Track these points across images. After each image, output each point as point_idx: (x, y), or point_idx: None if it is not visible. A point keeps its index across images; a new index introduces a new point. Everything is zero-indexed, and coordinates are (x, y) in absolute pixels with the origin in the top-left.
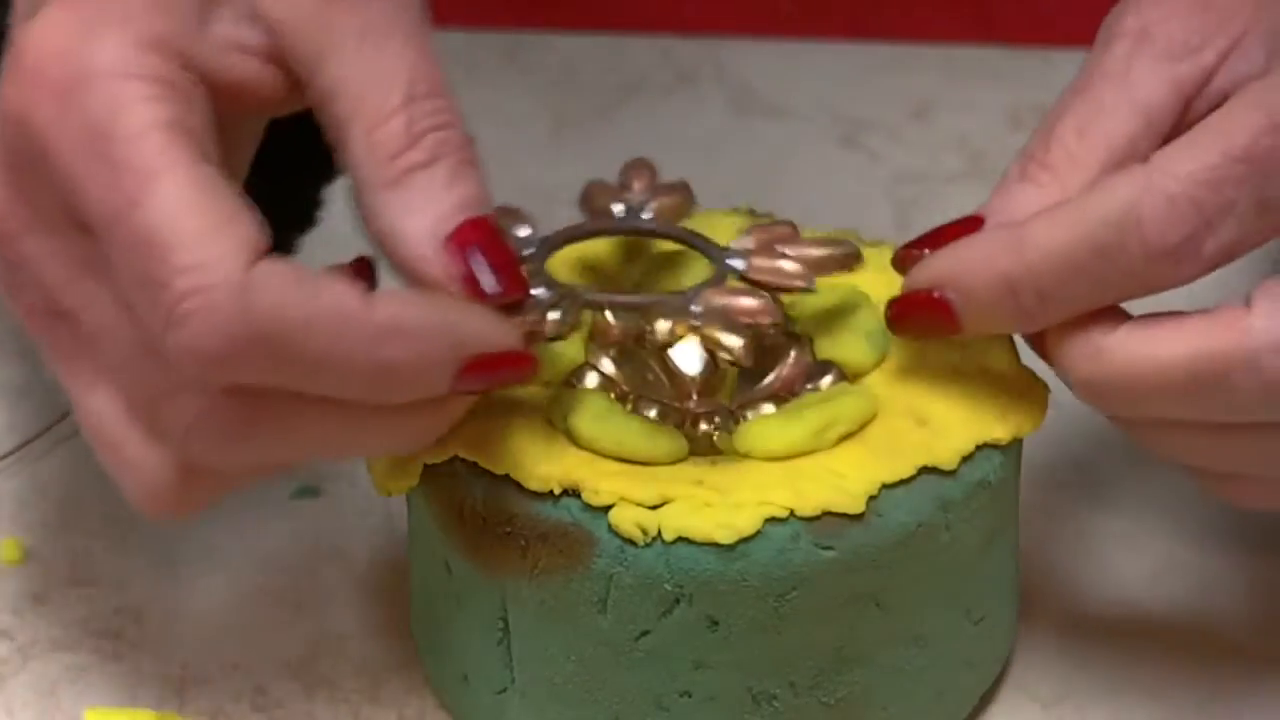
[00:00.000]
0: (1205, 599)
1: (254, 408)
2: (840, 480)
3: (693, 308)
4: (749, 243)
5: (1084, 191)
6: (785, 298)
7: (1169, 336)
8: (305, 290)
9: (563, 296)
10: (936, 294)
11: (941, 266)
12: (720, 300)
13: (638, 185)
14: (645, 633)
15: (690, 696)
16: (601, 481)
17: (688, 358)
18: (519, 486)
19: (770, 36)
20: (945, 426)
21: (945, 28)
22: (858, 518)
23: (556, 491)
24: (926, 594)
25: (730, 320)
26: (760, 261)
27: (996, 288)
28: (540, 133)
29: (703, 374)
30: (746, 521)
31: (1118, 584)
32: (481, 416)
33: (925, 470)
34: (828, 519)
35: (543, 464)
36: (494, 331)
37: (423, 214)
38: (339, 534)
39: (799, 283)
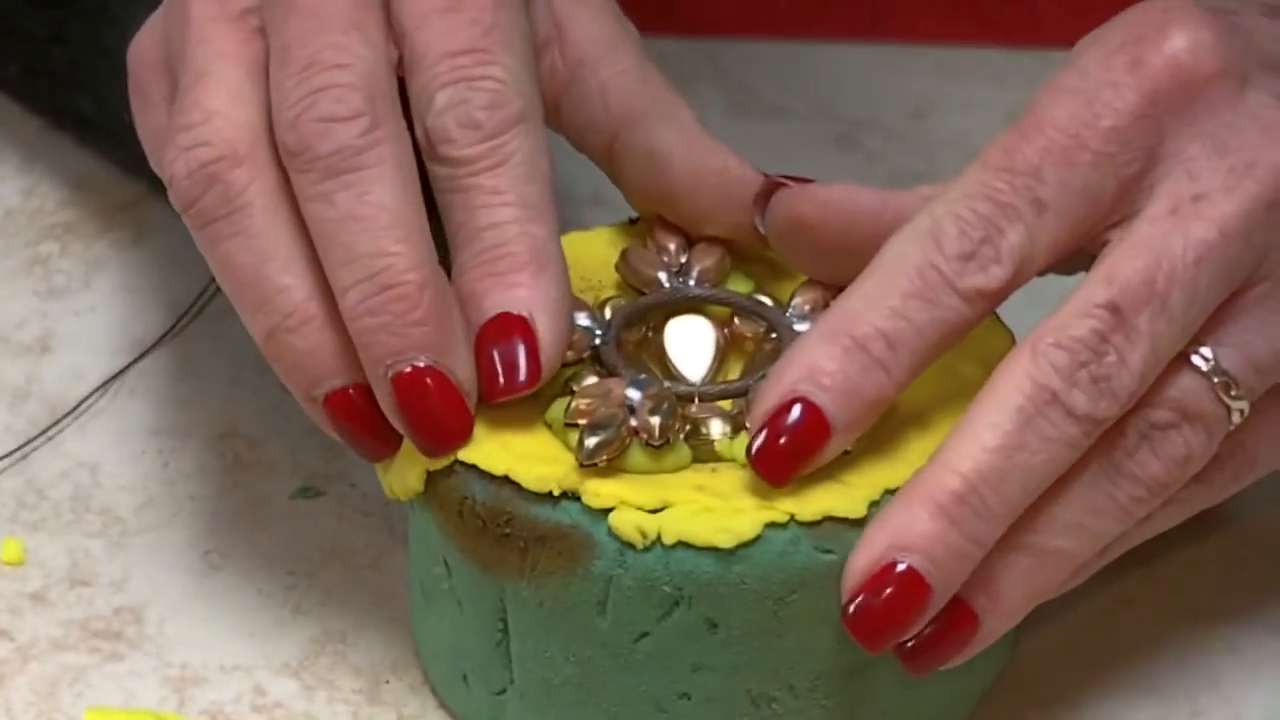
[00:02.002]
0: (1205, 598)
1: None
2: (842, 485)
3: None
4: (805, 303)
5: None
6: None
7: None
8: None
9: (657, 398)
10: (792, 399)
11: (784, 371)
12: None
13: (672, 245)
14: (644, 635)
15: (689, 699)
16: (601, 484)
17: (690, 364)
18: (519, 488)
19: (769, 37)
20: (948, 430)
21: (944, 28)
22: (858, 522)
23: (556, 493)
24: None
25: None
26: None
27: (845, 350)
28: None
29: (705, 379)
30: (746, 526)
31: (1117, 583)
32: (482, 419)
33: None
34: (828, 524)
35: (542, 466)
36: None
37: None
38: (339, 534)
39: None
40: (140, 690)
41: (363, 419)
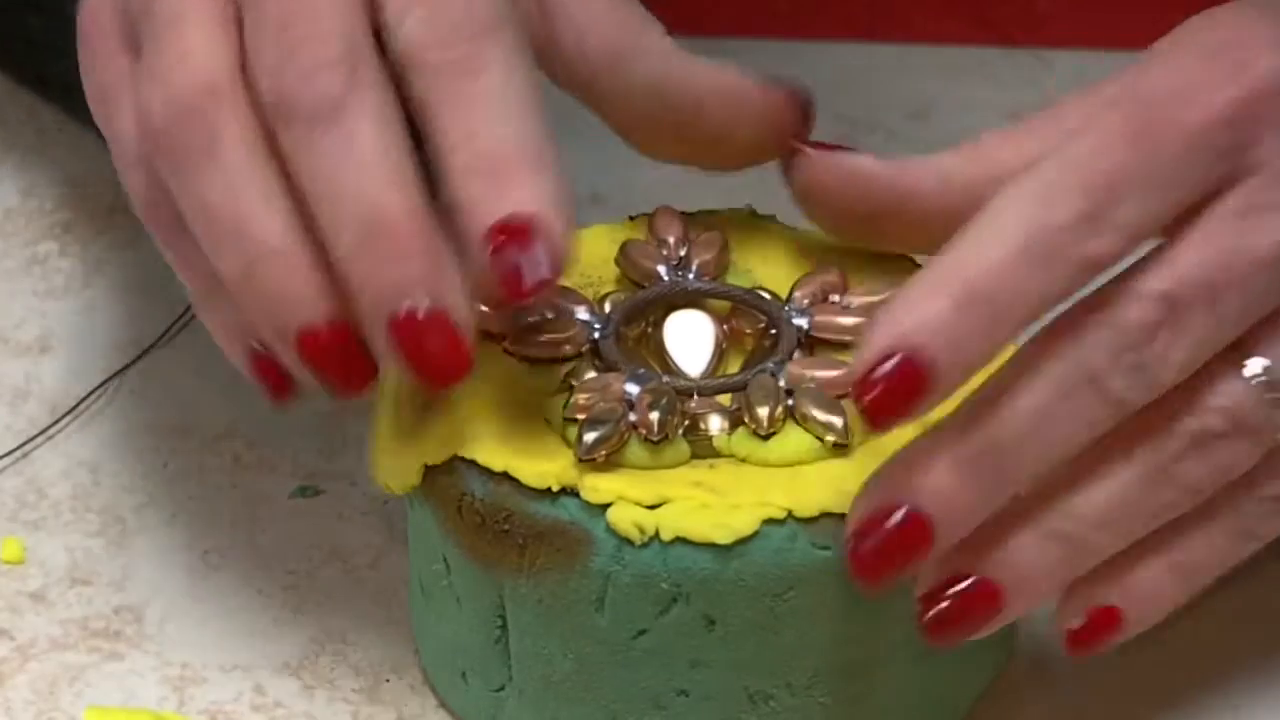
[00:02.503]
0: (1205, 598)
1: None
2: (840, 483)
3: (780, 383)
4: (805, 297)
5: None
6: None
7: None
8: None
9: (656, 393)
10: (898, 354)
11: (893, 319)
12: (807, 373)
13: (671, 238)
14: (642, 631)
15: (687, 695)
16: (600, 480)
17: (689, 359)
18: (517, 484)
19: (769, 37)
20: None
21: (944, 28)
22: None
23: (555, 489)
24: None
25: (824, 399)
26: (822, 318)
27: (958, 308)
28: None
29: (704, 374)
30: (744, 522)
31: None
32: (481, 415)
33: None
34: (826, 520)
35: (541, 462)
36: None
37: None
38: (339, 534)
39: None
40: (140, 690)
41: (337, 354)
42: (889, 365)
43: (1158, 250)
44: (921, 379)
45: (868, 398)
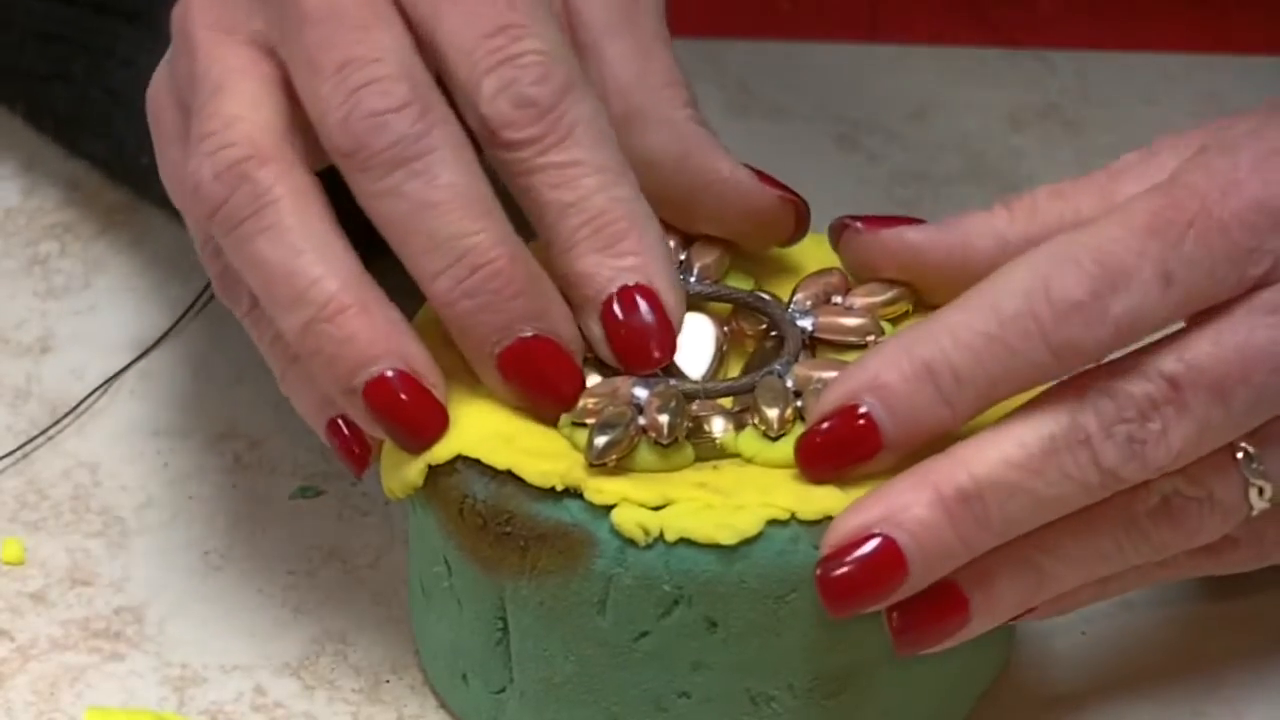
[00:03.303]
0: (1204, 598)
1: None
2: (844, 486)
3: (789, 384)
4: (807, 299)
5: (1024, 233)
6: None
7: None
8: None
9: (664, 396)
10: (853, 405)
11: (853, 376)
12: (814, 375)
13: (672, 241)
14: (644, 634)
15: (689, 697)
16: (605, 482)
17: (691, 361)
18: (520, 486)
19: (769, 37)
20: (954, 433)
21: (944, 28)
22: None
23: (559, 489)
24: None
25: None
26: (825, 320)
27: (915, 376)
28: None
29: (706, 376)
30: (748, 523)
31: None
32: (485, 416)
33: None
34: (829, 523)
35: (545, 462)
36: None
37: None
38: (339, 534)
39: (869, 338)
40: (140, 690)
41: (403, 405)
42: (851, 420)
43: (1177, 333)
44: (871, 436)
45: (813, 451)
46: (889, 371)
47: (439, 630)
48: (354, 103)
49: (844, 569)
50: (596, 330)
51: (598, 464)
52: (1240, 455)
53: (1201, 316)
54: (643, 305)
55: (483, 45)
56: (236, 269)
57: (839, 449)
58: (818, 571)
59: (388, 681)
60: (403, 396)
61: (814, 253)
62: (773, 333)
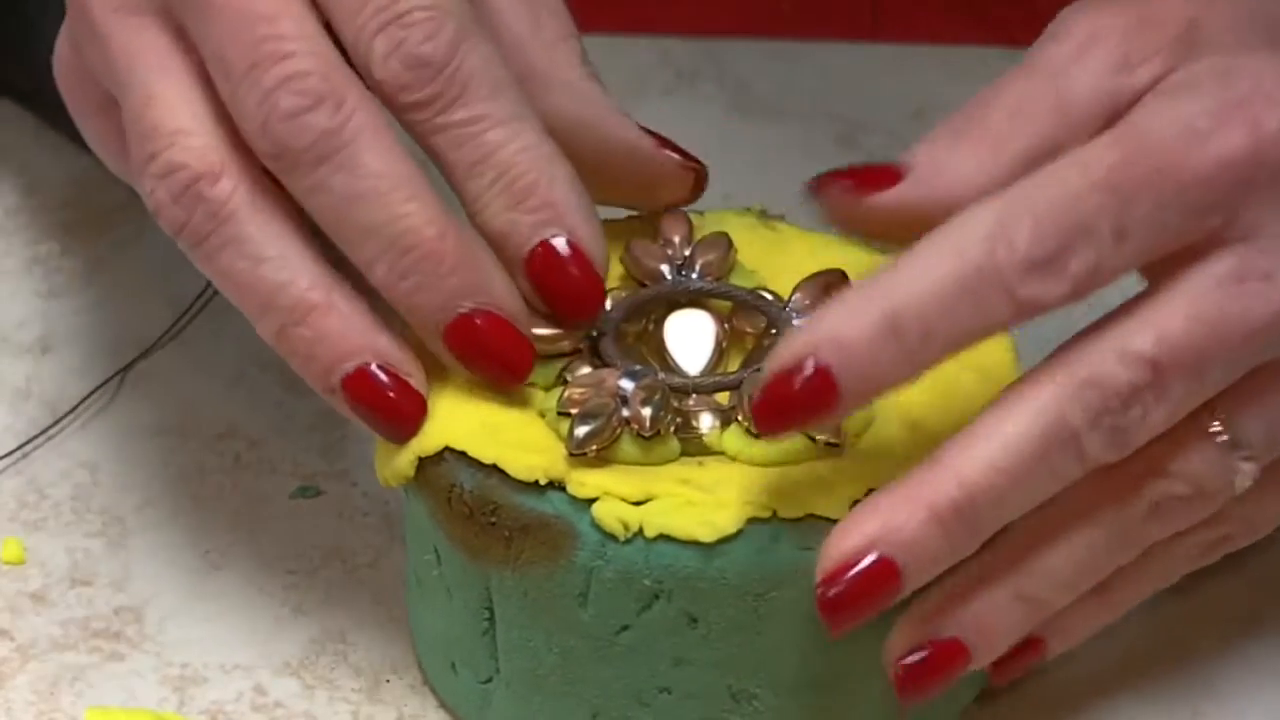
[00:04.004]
0: (1205, 601)
1: None
2: (826, 484)
3: None
4: (806, 298)
5: (997, 173)
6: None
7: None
8: None
9: (649, 389)
10: (811, 362)
11: (814, 329)
12: None
13: (676, 238)
14: (625, 628)
15: (670, 693)
16: (588, 474)
17: (689, 357)
18: (506, 477)
19: (769, 37)
20: (939, 433)
21: (944, 28)
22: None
23: (542, 482)
24: (910, 597)
25: None
26: None
27: (879, 330)
28: None
29: (703, 373)
30: (728, 520)
31: None
32: (474, 409)
33: None
34: (811, 522)
35: (531, 455)
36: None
37: None
38: (339, 534)
39: None
40: (140, 690)
41: (383, 395)
42: (800, 377)
43: (1144, 304)
44: (829, 392)
45: (767, 408)
46: (849, 326)
47: (431, 620)
48: (270, 106)
49: (842, 588)
50: (526, 287)
51: (578, 453)
52: (1220, 435)
53: (1165, 276)
54: (565, 255)
55: (369, 5)
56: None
57: (794, 406)
58: (817, 592)
59: (388, 681)
60: (379, 389)
61: (815, 253)
62: (772, 331)
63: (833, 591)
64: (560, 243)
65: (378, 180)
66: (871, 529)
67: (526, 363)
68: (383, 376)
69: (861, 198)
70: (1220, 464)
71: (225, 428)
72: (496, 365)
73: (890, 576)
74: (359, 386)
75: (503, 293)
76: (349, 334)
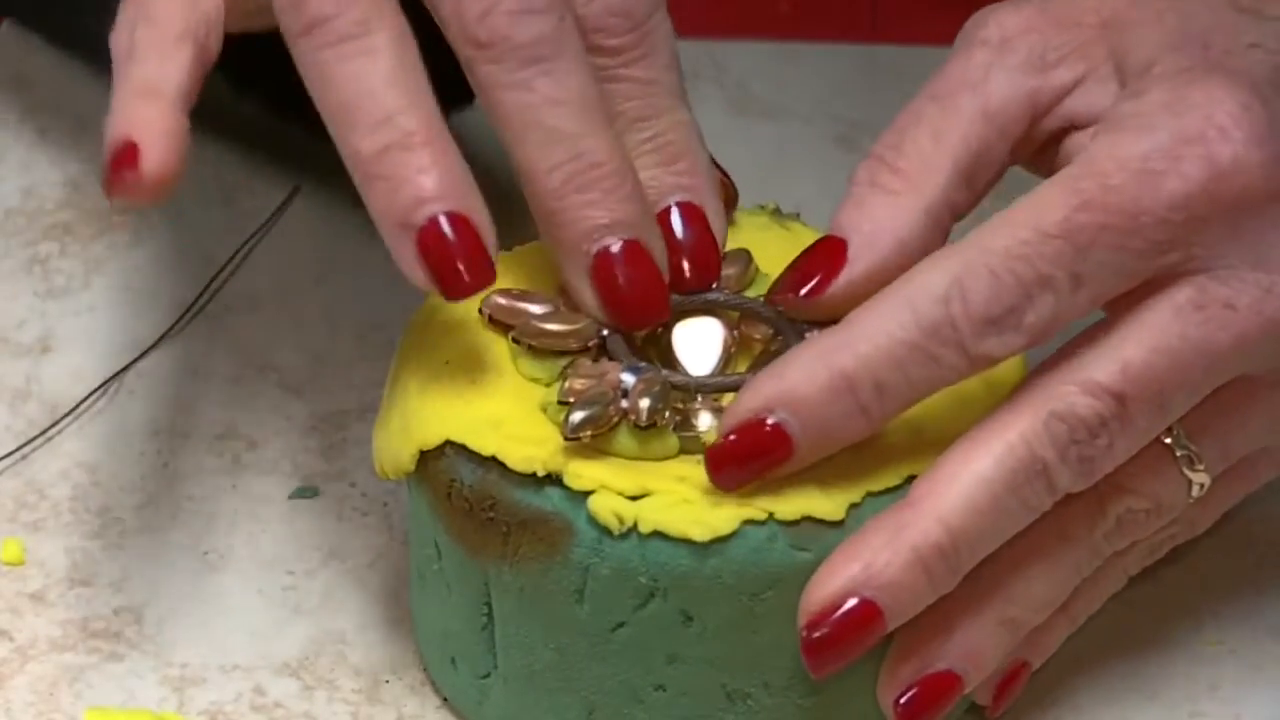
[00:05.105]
0: (1204, 600)
1: None
2: (822, 487)
3: None
4: None
5: (935, 197)
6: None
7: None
8: None
9: (649, 382)
10: (767, 420)
11: (770, 385)
12: None
13: None
14: (621, 624)
15: (665, 690)
16: (584, 467)
17: (697, 361)
18: (505, 472)
19: (769, 38)
20: (940, 437)
21: (944, 29)
22: (837, 524)
23: (540, 474)
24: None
25: None
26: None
27: (833, 387)
28: None
29: (709, 375)
30: (723, 521)
31: None
32: (477, 403)
33: (913, 480)
34: (806, 524)
35: (530, 447)
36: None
37: None
38: (339, 534)
39: None
40: (140, 690)
41: (454, 248)
42: (756, 434)
43: (1106, 334)
44: (783, 448)
45: (721, 460)
46: (805, 384)
47: (431, 614)
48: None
49: (827, 631)
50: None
51: (572, 438)
52: (1182, 456)
53: (1124, 308)
54: (696, 222)
55: None
56: (311, 81)
57: (748, 459)
58: (801, 635)
59: (387, 681)
60: (463, 237)
61: None
62: (779, 338)
63: (817, 634)
64: (693, 209)
65: (579, 95)
66: (854, 572)
67: (660, 308)
68: (460, 229)
69: (815, 299)
70: (1178, 479)
71: (224, 428)
72: (637, 300)
73: (874, 618)
74: (436, 233)
75: (657, 240)
76: (450, 179)
